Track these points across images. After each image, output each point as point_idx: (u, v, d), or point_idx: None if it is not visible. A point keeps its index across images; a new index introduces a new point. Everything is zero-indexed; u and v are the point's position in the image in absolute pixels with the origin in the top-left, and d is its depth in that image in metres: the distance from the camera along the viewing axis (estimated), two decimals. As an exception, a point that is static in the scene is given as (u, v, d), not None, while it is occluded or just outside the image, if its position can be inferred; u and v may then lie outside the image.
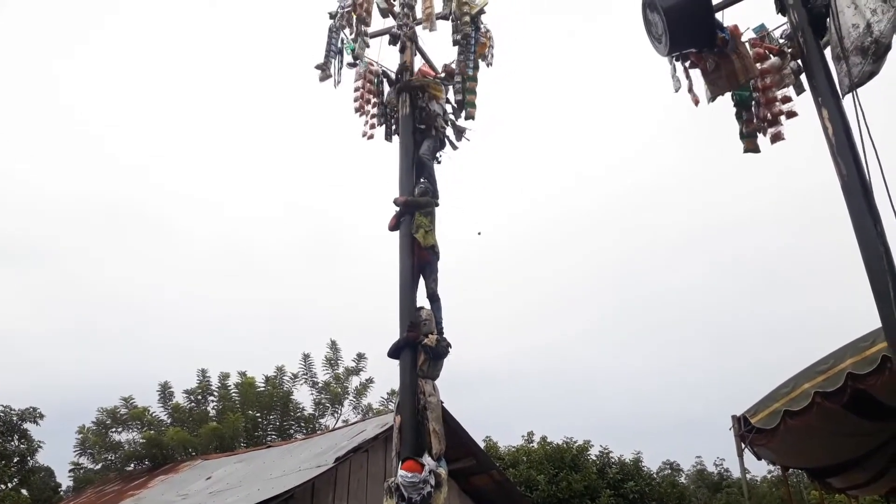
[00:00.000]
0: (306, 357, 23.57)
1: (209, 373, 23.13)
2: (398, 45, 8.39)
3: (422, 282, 7.26)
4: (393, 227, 7.37)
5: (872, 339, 6.43)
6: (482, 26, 8.29)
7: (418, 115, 7.95)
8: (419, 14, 8.31)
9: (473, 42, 8.11)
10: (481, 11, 8.30)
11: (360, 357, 23.66)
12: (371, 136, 8.22)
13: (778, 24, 6.08)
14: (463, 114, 8.28)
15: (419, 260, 7.18)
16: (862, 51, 5.30)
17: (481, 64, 8.37)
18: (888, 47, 5.30)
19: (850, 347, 6.66)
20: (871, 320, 4.92)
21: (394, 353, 6.84)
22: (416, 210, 7.26)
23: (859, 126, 4.97)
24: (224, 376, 23.08)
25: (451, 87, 8.32)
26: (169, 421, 21.99)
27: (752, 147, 6.14)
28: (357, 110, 8.32)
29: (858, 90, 5.30)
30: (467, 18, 8.15)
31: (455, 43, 8.21)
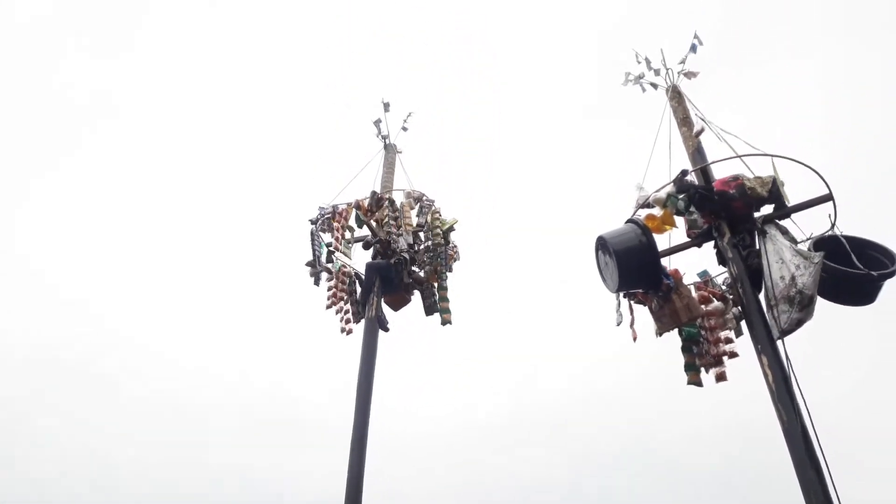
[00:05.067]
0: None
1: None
2: (371, 252, 8.99)
3: None
4: None
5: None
6: (451, 242, 9.06)
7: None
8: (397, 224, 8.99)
9: (444, 255, 8.79)
10: (451, 228, 9.11)
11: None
12: (350, 332, 8.53)
13: (720, 271, 6.81)
14: (438, 318, 8.68)
15: None
16: (789, 300, 5.96)
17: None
18: (812, 298, 5.97)
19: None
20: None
21: None
22: None
23: (789, 372, 5.48)
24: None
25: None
26: None
27: (695, 380, 6.49)
28: (329, 307, 8.74)
29: (805, 331, 5.88)
30: (439, 231, 8.95)
31: (427, 251, 8.91)
